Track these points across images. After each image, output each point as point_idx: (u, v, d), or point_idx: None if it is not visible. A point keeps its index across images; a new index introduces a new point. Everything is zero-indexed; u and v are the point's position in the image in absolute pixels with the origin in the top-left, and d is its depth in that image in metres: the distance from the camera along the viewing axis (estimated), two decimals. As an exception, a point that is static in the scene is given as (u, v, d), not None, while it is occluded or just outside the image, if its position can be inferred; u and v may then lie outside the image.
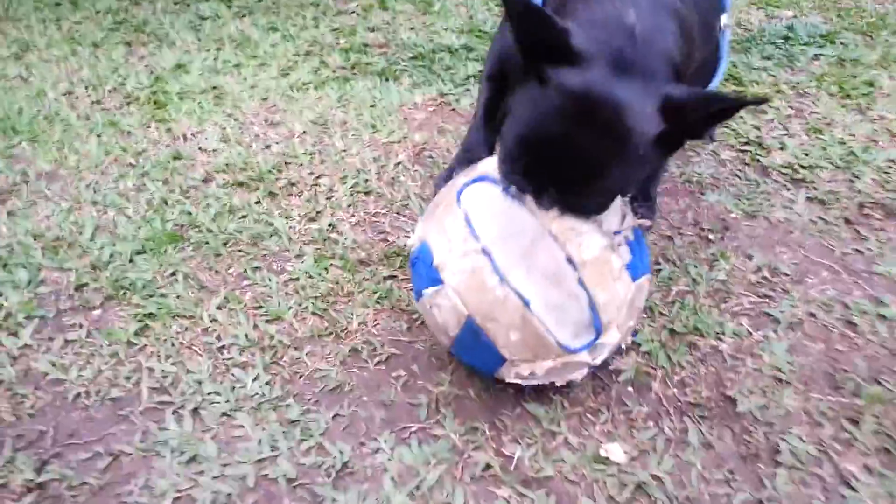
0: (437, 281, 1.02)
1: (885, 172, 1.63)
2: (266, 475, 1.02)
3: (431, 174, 1.64)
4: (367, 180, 1.61)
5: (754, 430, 1.07)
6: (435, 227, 1.05)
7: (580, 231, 0.98)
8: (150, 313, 1.26)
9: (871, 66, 2.04)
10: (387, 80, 2.04)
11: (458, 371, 1.17)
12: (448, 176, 1.19)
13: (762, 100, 0.88)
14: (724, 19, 1.23)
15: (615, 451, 1.02)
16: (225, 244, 1.42)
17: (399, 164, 1.67)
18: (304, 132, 1.79)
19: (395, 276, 1.35)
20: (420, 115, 1.88)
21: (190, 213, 1.50)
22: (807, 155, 1.70)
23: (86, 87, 1.98)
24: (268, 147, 1.73)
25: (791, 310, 1.27)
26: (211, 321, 1.25)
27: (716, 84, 1.22)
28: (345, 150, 1.72)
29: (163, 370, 1.16)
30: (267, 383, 1.14)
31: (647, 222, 1.27)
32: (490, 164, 1.04)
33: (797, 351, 1.20)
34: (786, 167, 1.67)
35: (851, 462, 1.02)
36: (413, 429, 1.08)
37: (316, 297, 1.30)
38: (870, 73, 2.01)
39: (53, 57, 2.12)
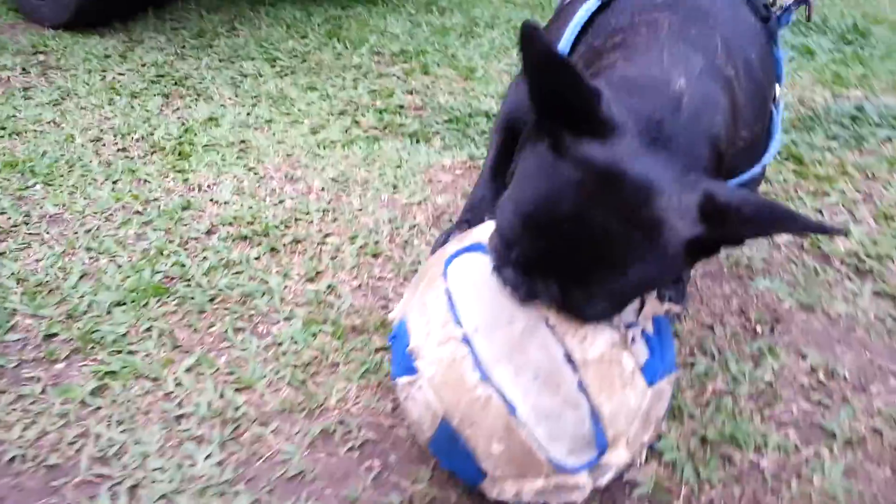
0: (412, 370, 0.86)
1: (970, 268, 1.41)
2: (195, 575, 0.86)
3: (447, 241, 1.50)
4: (377, 241, 1.49)
5: (797, 575, 0.85)
6: (416, 303, 0.90)
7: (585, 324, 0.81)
8: (113, 371, 1.14)
9: (951, 151, 1.84)
10: (417, 141, 1.94)
11: (440, 468, 0.99)
12: (445, 239, 1.04)
13: (837, 230, 0.70)
14: (777, 90, 1.09)
15: (616, 587, 0.82)
16: (211, 300, 1.31)
17: (415, 226, 1.55)
18: (323, 189, 1.70)
19: (387, 348, 1.20)
20: (446, 177, 1.76)
21: (183, 265, 1.40)
22: (875, 244, 1.49)
23: (114, 135, 1.95)
24: (281, 202, 1.64)
25: (850, 423, 1.06)
26: (175, 385, 1.12)
27: (767, 162, 1.06)
28: (360, 210, 1.61)
29: (110, 438, 1.03)
30: (219, 463, 0.99)
31: (676, 308, 1.06)
32: (487, 230, 0.89)
33: (856, 475, 0.98)
34: (850, 256, 1.47)
35: None
36: (377, 533, 0.91)
37: (296, 366, 1.16)
38: (950, 158, 1.80)
39: (90, 105, 2.12)
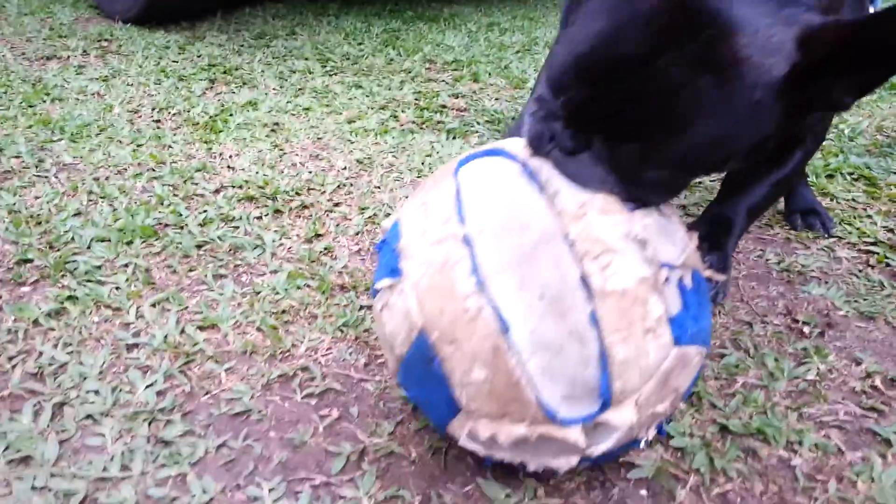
0: (396, 271, 0.72)
1: None
2: (97, 499, 0.74)
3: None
4: (388, 214, 1.38)
5: (827, 587, 0.66)
6: (415, 203, 0.76)
7: (609, 247, 0.66)
8: (75, 297, 1.05)
9: None
10: (454, 137, 1.85)
11: (408, 423, 0.85)
12: (517, 129, 0.86)
13: None
14: None
15: (587, 571, 0.65)
16: (199, 247, 1.22)
17: (432, 205, 1.44)
18: (345, 168, 1.62)
19: (371, 307, 1.08)
20: (476, 167, 1.66)
21: (180, 215, 1.32)
22: (956, 265, 1.29)
23: (152, 108, 1.94)
24: (298, 174, 1.56)
25: (911, 433, 0.86)
26: (137, 317, 1.03)
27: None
28: (378, 187, 1.52)
29: (52, 357, 0.93)
30: (159, 393, 0.88)
31: (720, 276, 0.82)
32: (513, 142, 0.76)
33: (916, 488, 0.78)
34: (924, 275, 1.27)
35: None
36: (315, 482, 0.77)
37: (270, 313, 1.05)
38: None
39: (137, 83, 2.13)
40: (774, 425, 0.86)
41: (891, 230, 1.44)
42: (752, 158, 0.71)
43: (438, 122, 1.95)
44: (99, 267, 1.14)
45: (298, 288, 1.12)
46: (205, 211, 1.35)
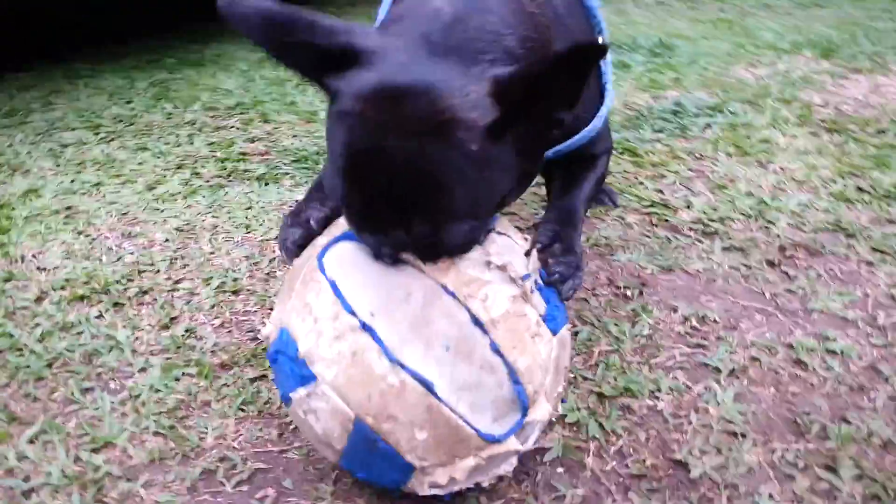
0: (308, 378, 0.77)
1: (799, 216, 1.54)
2: None
3: (312, 266, 1.43)
4: (235, 279, 1.39)
5: (716, 496, 0.85)
6: (294, 305, 0.81)
7: (482, 282, 0.77)
8: (-68, 459, 0.95)
9: (762, 128, 2.03)
10: (266, 183, 1.87)
11: (343, 479, 0.91)
12: (297, 214, 0.91)
13: (598, 47, 0.67)
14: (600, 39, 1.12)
15: (548, 550, 0.78)
16: (49, 365, 1.15)
17: (275, 259, 1.47)
18: (167, 240, 1.57)
19: (264, 377, 1.10)
20: (301, 211, 1.70)
21: (12, 336, 1.22)
22: (715, 210, 1.60)
23: (-89, 222, 1.71)
24: (119, 259, 1.49)
25: (729, 357, 1.10)
26: (19, 459, 0.96)
27: (605, 112, 1.10)
28: (212, 253, 1.50)
29: (-63, 533, 0.85)
30: (82, 529, 0.85)
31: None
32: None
33: (746, 399, 1.01)
34: (695, 223, 1.56)
35: (840, 520, 0.81)
36: (281, 562, 0.81)
37: (160, 413, 1.03)
38: (763, 133, 1.99)
39: None
40: (636, 381, 1.04)
41: (660, 191, 1.74)
42: (524, 185, 0.85)
43: (245, 171, 1.95)
44: (-57, 419, 1.03)
45: (177, 380, 1.11)
46: (36, 325, 1.26)
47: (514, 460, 0.81)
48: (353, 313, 0.76)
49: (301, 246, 0.88)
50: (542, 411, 0.79)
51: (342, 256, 0.81)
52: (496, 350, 0.75)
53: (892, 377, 1.02)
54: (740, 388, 1.02)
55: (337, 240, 0.83)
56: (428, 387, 0.73)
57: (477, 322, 0.75)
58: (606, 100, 1.05)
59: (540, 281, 0.84)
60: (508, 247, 0.83)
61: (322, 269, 0.80)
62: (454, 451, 0.76)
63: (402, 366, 0.73)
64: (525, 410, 0.78)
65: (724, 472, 0.88)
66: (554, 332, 0.82)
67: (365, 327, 0.75)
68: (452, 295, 0.76)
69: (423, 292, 0.76)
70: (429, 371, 0.74)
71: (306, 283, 0.81)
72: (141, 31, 3.46)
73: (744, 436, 0.93)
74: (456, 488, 0.79)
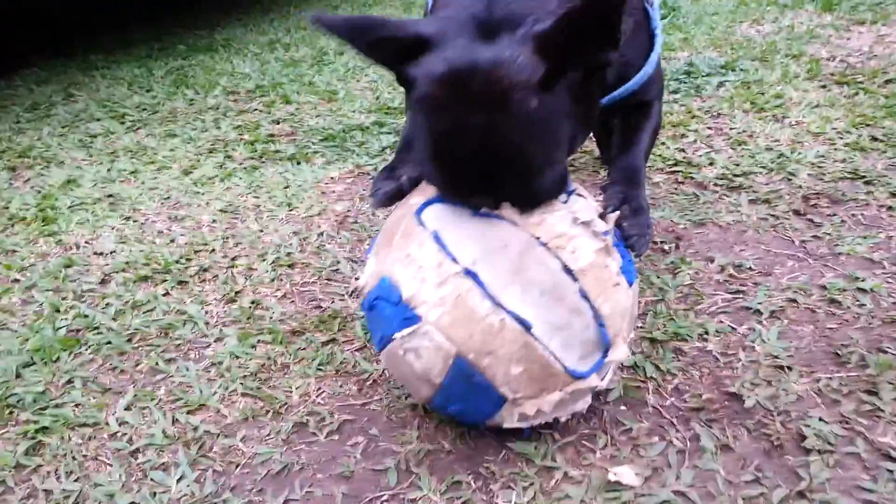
0: (412, 320, 0.84)
1: (819, 167, 1.61)
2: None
3: (360, 238, 1.50)
4: (289, 253, 1.46)
5: (770, 421, 0.93)
6: (396, 257, 0.88)
7: (570, 236, 0.85)
8: (44, 427, 1.03)
9: (774, 84, 2.09)
10: (298, 163, 1.93)
11: (425, 424, 0.99)
12: (390, 171, 1.00)
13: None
14: None
15: (626, 475, 0.86)
16: (129, 341, 1.22)
17: (322, 233, 1.54)
18: (214, 221, 1.64)
19: (334, 340, 1.18)
20: (338, 187, 1.77)
21: (86, 316, 1.29)
22: (737, 165, 1.67)
23: (-38, 216, 1.77)
24: (172, 241, 1.56)
25: (768, 300, 1.17)
26: (119, 424, 1.04)
27: (656, 57, 1.15)
28: (261, 231, 1.57)
29: (63, 490, 0.93)
30: (196, 481, 0.93)
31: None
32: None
33: (788, 336, 1.08)
34: (720, 179, 1.63)
35: (883, 434, 0.89)
36: (384, 498, 0.89)
37: (245, 377, 1.11)
38: (775, 88, 2.05)
39: (-76, 192, 1.92)
40: (684, 326, 1.12)
41: (682, 150, 1.80)
42: (588, 128, 0.94)
43: (276, 152, 2.01)
44: (43, 392, 1.10)
45: (253, 347, 1.18)
46: (108, 304, 1.33)
47: (588, 398, 0.89)
48: (455, 261, 0.84)
49: (392, 198, 0.97)
50: (620, 352, 0.87)
51: (440, 214, 0.88)
52: (584, 296, 0.84)
53: (922, 309, 1.10)
54: (782, 327, 1.10)
55: (431, 201, 0.90)
56: (526, 326, 0.81)
57: (567, 270, 0.84)
58: (656, 45, 1.11)
59: (615, 238, 0.91)
60: (588, 207, 0.91)
61: (422, 224, 0.88)
62: (543, 385, 0.84)
63: (503, 307, 0.81)
64: (606, 351, 0.86)
65: (776, 400, 0.96)
66: (630, 283, 0.90)
67: (468, 273, 0.83)
68: (545, 246, 0.84)
69: (519, 243, 0.84)
70: (526, 312, 0.82)
71: (407, 237, 0.88)
72: (141, 20, 3.49)
73: (790, 368, 1.01)
74: (538, 421, 0.87)
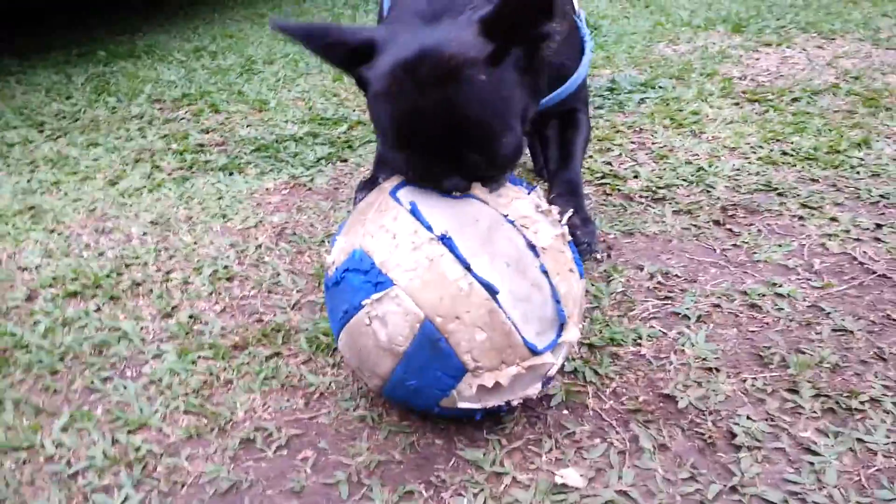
0: (384, 284, 0.87)
1: (735, 179, 1.71)
2: None
3: (299, 250, 1.50)
4: (226, 266, 1.44)
5: (702, 421, 0.99)
6: (368, 230, 0.92)
7: (534, 219, 0.92)
8: (-29, 454, 0.98)
9: (691, 101, 2.21)
10: (231, 173, 1.90)
11: (375, 435, 1.00)
12: (372, 183, 1.09)
13: None
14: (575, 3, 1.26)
15: (571, 476, 0.89)
16: (61, 359, 1.18)
17: (260, 245, 1.52)
18: (144, 233, 1.60)
19: (279, 354, 1.18)
20: (274, 198, 1.75)
21: (14, 335, 1.24)
22: (660, 178, 1.75)
23: None
24: (101, 254, 1.52)
25: (695, 305, 1.24)
26: (56, 447, 1.00)
27: (587, 60, 1.22)
28: (195, 243, 1.54)
29: (-6, 519, 0.89)
30: (141, 503, 0.91)
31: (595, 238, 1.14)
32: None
33: (715, 340, 1.15)
34: (645, 191, 1.71)
35: (804, 429, 0.96)
36: (335, 512, 0.89)
37: (187, 394, 1.09)
38: (692, 105, 2.17)
39: None
40: (619, 331, 1.18)
41: (609, 163, 1.88)
42: (537, 101, 1.01)
43: (206, 162, 1.97)
44: (-32, 416, 1.05)
45: (194, 363, 1.16)
46: (36, 322, 1.28)
47: (539, 385, 0.92)
48: (430, 228, 0.88)
49: None
50: (572, 334, 0.92)
51: (414, 192, 0.93)
52: (544, 271, 0.89)
53: (833, 313, 1.19)
54: (708, 331, 1.17)
55: (404, 183, 0.95)
56: (493, 291, 0.85)
57: (531, 246, 0.89)
58: (587, 49, 1.19)
59: (569, 236, 0.97)
60: (545, 204, 0.97)
61: (398, 200, 0.92)
62: (503, 357, 0.87)
63: (472, 272, 0.85)
64: (560, 330, 0.90)
65: (707, 400, 1.02)
66: (581, 276, 0.96)
67: (443, 239, 0.87)
68: (512, 223, 0.90)
69: (489, 219, 0.90)
70: (493, 278, 0.86)
71: (382, 212, 0.92)
72: (58, 24, 3.35)
73: (718, 370, 1.08)
74: (492, 403, 0.90)
